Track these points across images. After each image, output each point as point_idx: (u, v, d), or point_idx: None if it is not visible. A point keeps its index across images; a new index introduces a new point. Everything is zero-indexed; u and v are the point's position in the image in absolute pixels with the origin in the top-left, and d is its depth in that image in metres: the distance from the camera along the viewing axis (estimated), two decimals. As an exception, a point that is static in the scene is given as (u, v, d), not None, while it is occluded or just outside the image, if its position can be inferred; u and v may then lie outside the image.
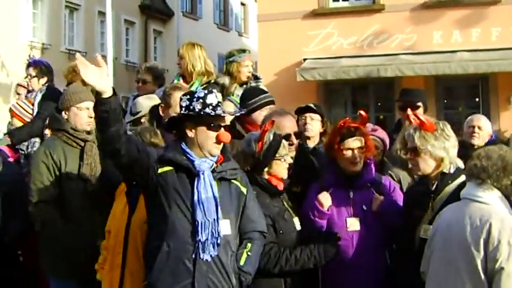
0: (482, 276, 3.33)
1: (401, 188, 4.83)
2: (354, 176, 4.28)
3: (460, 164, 3.95)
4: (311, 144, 5.31)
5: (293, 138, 4.45)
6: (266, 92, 5.14)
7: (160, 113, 5.15)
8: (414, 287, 3.78)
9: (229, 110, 5.08)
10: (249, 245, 3.73)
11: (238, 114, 4.30)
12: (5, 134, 6.60)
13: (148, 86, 6.72)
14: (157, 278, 3.51)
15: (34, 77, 6.74)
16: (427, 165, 3.91)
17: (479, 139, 6.36)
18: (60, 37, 21.33)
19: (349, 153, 4.22)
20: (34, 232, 4.77)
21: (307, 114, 5.40)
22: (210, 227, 3.50)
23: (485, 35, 14.67)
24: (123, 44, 24.40)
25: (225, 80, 6.08)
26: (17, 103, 6.67)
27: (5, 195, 4.93)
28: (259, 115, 4.78)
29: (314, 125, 5.34)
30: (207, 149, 3.61)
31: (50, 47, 20.45)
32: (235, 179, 3.73)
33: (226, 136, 3.62)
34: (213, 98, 3.63)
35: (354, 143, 4.23)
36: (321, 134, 5.40)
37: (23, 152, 6.24)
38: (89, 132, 4.76)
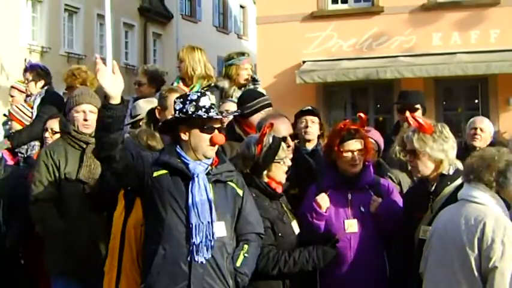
0: (477, 275, 3.35)
1: (401, 190, 4.85)
2: (352, 178, 4.28)
3: (460, 165, 3.96)
4: (310, 146, 5.33)
5: (289, 140, 4.45)
6: (264, 95, 5.15)
7: (157, 115, 5.16)
8: (413, 288, 3.79)
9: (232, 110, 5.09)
10: (246, 246, 3.74)
11: (231, 115, 4.29)
12: (4, 137, 6.61)
13: (143, 88, 6.73)
14: (154, 281, 3.52)
15: (31, 81, 6.77)
16: (426, 167, 3.93)
17: (481, 141, 6.36)
18: (60, 40, 21.34)
19: (349, 155, 4.23)
20: (35, 233, 4.78)
21: (307, 117, 5.42)
22: (204, 229, 3.50)
23: (485, 37, 14.67)
24: (123, 46, 24.40)
25: (225, 84, 6.10)
26: (16, 106, 6.68)
27: (7, 199, 4.97)
28: (257, 118, 4.78)
29: (314, 128, 5.37)
30: (202, 151, 3.61)
31: (49, 50, 20.45)
32: (231, 181, 3.73)
33: (220, 138, 3.63)
34: (206, 100, 3.63)
35: (354, 145, 4.24)
36: (319, 137, 5.42)
37: (22, 155, 6.25)
38: (91, 135, 4.77)
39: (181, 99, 3.66)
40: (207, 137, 3.60)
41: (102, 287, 4.05)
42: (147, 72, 6.89)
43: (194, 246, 3.49)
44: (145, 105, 5.62)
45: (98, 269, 4.23)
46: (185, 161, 3.60)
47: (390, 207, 4.23)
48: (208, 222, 3.52)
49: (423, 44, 14.88)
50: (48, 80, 6.88)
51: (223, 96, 5.98)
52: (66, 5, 21.62)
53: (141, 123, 5.43)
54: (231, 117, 4.80)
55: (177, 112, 3.65)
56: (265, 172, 4.10)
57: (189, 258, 3.50)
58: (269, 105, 4.99)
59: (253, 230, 3.80)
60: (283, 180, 4.17)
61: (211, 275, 3.54)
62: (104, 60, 3.49)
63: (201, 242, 3.50)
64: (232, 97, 5.87)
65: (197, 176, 3.57)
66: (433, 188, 3.94)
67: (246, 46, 27.36)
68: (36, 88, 6.75)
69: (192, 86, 5.88)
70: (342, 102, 15.96)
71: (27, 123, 6.44)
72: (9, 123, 6.54)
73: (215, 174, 3.65)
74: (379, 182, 4.41)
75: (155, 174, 3.55)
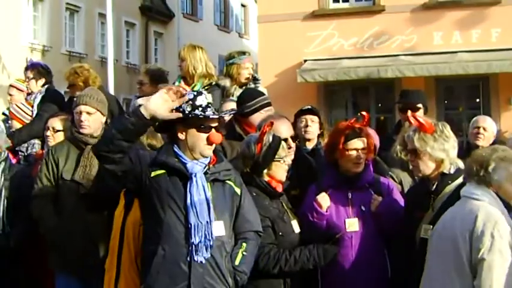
0: (468, 268, 3.37)
1: (402, 189, 4.85)
2: (352, 177, 4.28)
3: (461, 164, 3.96)
4: (310, 145, 5.33)
5: (290, 141, 4.45)
6: (263, 94, 5.16)
7: None
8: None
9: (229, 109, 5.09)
10: (244, 244, 3.74)
11: (227, 114, 4.29)
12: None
13: (145, 87, 6.74)
14: (154, 281, 3.52)
15: (32, 79, 6.78)
16: (427, 167, 3.93)
17: (484, 140, 6.35)
18: (61, 39, 21.35)
19: (353, 153, 4.23)
20: (39, 232, 4.83)
21: (307, 117, 5.42)
22: (203, 229, 3.51)
23: (486, 36, 14.67)
24: (124, 45, 24.41)
25: (226, 82, 6.10)
26: (16, 105, 6.69)
27: (12, 199, 5.00)
28: (257, 117, 4.79)
29: (314, 127, 5.37)
30: (199, 150, 3.61)
31: (51, 49, 20.46)
32: (229, 180, 3.73)
33: (217, 137, 3.63)
34: (203, 99, 3.63)
35: (358, 143, 4.25)
36: (319, 136, 5.42)
37: (22, 154, 6.26)
38: (92, 136, 4.78)
39: None
40: (203, 136, 3.59)
41: (102, 285, 4.06)
42: (148, 71, 6.92)
43: (193, 246, 3.49)
44: (139, 100, 5.63)
45: (96, 268, 4.25)
46: (183, 160, 3.60)
47: (391, 206, 4.23)
48: (207, 222, 3.52)
49: (424, 43, 14.88)
50: (49, 78, 6.89)
51: (224, 95, 5.99)
52: (67, 3, 21.63)
53: None
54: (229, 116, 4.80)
55: (173, 112, 3.66)
56: (265, 171, 4.10)
57: (188, 258, 3.50)
58: (268, 104, 4.98)
59: (252, 228, 3.80)
60: (284, 179, 4.17)
61: (211, 275, 3.54)
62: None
63: (200, 241, 3.50)
64: (233, 96, 5.87)
65: (195, 176, 3.56)
66: (434, 187, 3.95)
67: (247, 45, 27.37)
68: (37, 86, 6.76)
69: (193, 85, 5.89)
70: (343, 101, 15.97)
71: (28, 122, 6.46)
72: (9, 122, 6.55)
73: (213, 173, 3.65)
74: (379, 181, 4.41)
75: (153, 174, 3.55)
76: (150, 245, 3.57)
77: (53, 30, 20.91)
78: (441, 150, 3.89)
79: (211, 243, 3.53)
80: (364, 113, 4.41)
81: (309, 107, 5.60)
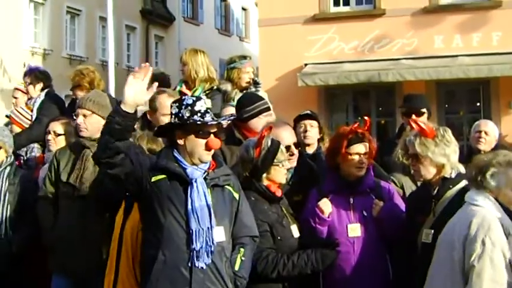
0: (459, 275, 3.37)
1: (404, 194, 4.85)
2: (354, 182, 4.27)
3: (462, 169, 3.97)
4: (310, 150, 5.32)
5: (293, 149, 4.45)
6: (263, 99, 5.15)
7: (148, 117, 5.16)
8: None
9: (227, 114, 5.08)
10: (242, 250, 3.74)
11: (225, 120, 4.28)
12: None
13: None
14: (155, 287, 3.51)
15: (30, 84, 6.81)
16: (428, 172, 3.94)
17: (486, 144, 6.34)
18: (62, 43, 21.39)
19: (356, 158, 4.23)
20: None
21: (306, 122, 5.42)
22: (204, 235, 3.51)
23: (486, 40, 14.65)
24: (125, 49, 24.45)
25: (227, 87, 6.10)
26: (16, 109, 6.72)
27: (17, 203, 5.01)
28: (256, 122, 4.79)
29: (313, 132, 5.37)
30: (198, 156, 3.60)
31: (52, 53, 20.50)
32: (228, 185, 3.73)
33: (215, 142, 3.62)
34: (202, 104, 3.62)
35: (361, 148, 4.25)
36: (319, 140, 5.42)
37: (22, 158, 6.25)
38: (91, 139, 4.78)
39: (177, 104, 3.66)
40: (202, 141, 3.59)
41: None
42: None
43: (194, 252, 3.49)
44: (140, 107, 5.63)
45: (93, 271, 4.29)
46: (183, 165, 3.60)
47: (392, 211, 4.22)
48: (208, 227, 3.52)
49: (425, 46, 14.87)
50: (48, 82, 6.90)
51: (225, 99, 5.99)
52: (68, 7, 21.68)
53: (135, 126, 5.42)
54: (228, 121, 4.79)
55: (173, 117, 3.65)
56: (264, 175, 4.09)
57: (189, 264, 3.50)
58: (268, 109, 4.97)
59: (249, 233, 3.80)
60: (283, 181, 4.17)
61: (211, 280, 3.54)
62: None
63: (202, 247, 3.50)
64: (234, 100, 5.86)
65: (195, 181, 3.56)
66: (435, 191, 3.95)
67: (247, 48, 27.38)
68: (36, 91, 6.78)
69: (194, 89, 5.89)
70: (343, 105, 15.95)
71: (27, 126, 6.46)
72: (10, 126, 6.55)
73: (212, 179, 3.65)
74: (379, 185, 4.41)
75: (153, 179, 3.55)
76: (150, 250, 3.56)
77: (54, 34, 20.95)
78: (442, 155, 3.90)
79: (212, 248, 3.53)
80: (366, 117, 4.41)
81: (308, 111, 5.59)
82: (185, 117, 3.57)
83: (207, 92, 5.78)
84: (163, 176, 3.56)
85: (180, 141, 3.62)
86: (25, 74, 6.99)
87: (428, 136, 3.90)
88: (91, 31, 22.52)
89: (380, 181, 4.48)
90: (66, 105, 7.03)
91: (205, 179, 3.61)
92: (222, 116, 4.90)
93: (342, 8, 15.83)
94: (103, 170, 3.55)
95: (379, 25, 15.24)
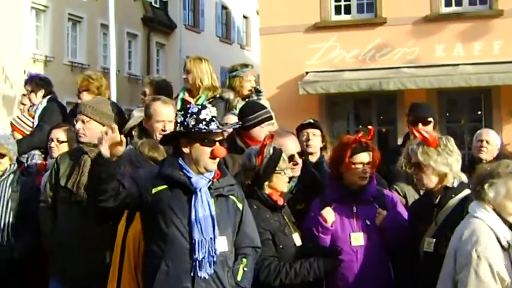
0: (450, 286, 3.38)
1: (406, 202, 4.84)
2: (357, 191, 4.27)
3: (464, 178, 3.98)
4: (313, 159, 5.32)
5: (297, 158, 4.45)
6: (265, 108, 5.15)
7: (144, 124, 5.16)
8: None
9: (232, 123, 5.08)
10: (245, 260, 3.72)
11: (231, 127, 4.28)
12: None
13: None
14: None
15: (31, 92, 6.82)
16: (430, 181, 3.93)
17: (488, 153, 6.34)
18: (63, 50, 21.44)
19: (360, 167, 4.22)
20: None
21: (309, 130, 5.41)
22: (207, 245, 3.49)
23: (488, 48, 14.68)
24: (126, 56, 24.50)
25: (230, 95, 6.10)
26: (17, 117, 6.73)
27: (19, 211, 5.01)
28: (258, 131, 4.79)
29: (316, 141, 5.37)
30: (203, 164, 3.59)
31: (53, 60, 20.54)
32: (232, 195, 3.72)
33: (221, 151, 3.61)
34: (207, 113, 3.61)
35: (365, 157, 4.24)
36: (321, 149, 5.41)
37: (23, 165, 6.25)
38: (88, 145, 4.78)
39: (182, 112, 3.65)
40: (207, 150, 3.57)
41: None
42: (153, 82, 6.90)
43: (197, 262, 3.47)
44: (137, 114, 5.64)
45: (91, 277, 4.27)
46: (188, 174, 3.58)
47: (395, 220, 4.22)
48: (211, 238, 3.51)
49: (426, 55, 14.90)
50: (49, 88, 6.91)
51: (227, 107, 5.98)
52: (70, 14, 21.73)
53: (133, 132, 5.42)
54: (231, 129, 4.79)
55: (178, 125, 3.64)
56: (266, 183, 4.09)
57: (192, 274, 3.48)
58: (270, 118, 4.98)
59: (251, 244, 3.78)
60: (285, 189, 4.17)
61: (213, 290, 3.53)
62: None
63: (204, 257, 3.48)
64: (236, 109, 5.86)
65: (200, 191, 3.55)
66: (438, 200, 3.94)
67: (248, 56, 27.43)
68: (37, 98, 6.79)
69: (197, 97, 5.89)
70: (345, 113, 15.96)
71: (28, 133, 6.47)
72: (11, 133, 6.56)
73: (217, 189, 3.63)
74: (382, 194, 4.41)
75: (154, 190, 3.53)
76: (153, 260, 3.54)
77: (55, 41, 20.99)
78: (444, 164, 3.89)
79: (215, 259, 3.51)
80: (370, 126, 4.41)
81: (311, 120, 5.58)
82: (190, 126, 3.56)
83: (210, 100, 5.78)
84: (165, 186, 3.54)
85: (185, 150, 3.60)
86: (26, 83, 7.01)
87: (431, 145, 3.90)
88: (92, 38, 22.57)
89: (383, 190, 4.49)
90: (68, 111, 7.04)
91: (209, 188, 3.60)
92: (223, 124, 4.90)
93: (343, 17, 15.86)
94: (99, 206, 3.50)
95: (380, 34, 15.27)
